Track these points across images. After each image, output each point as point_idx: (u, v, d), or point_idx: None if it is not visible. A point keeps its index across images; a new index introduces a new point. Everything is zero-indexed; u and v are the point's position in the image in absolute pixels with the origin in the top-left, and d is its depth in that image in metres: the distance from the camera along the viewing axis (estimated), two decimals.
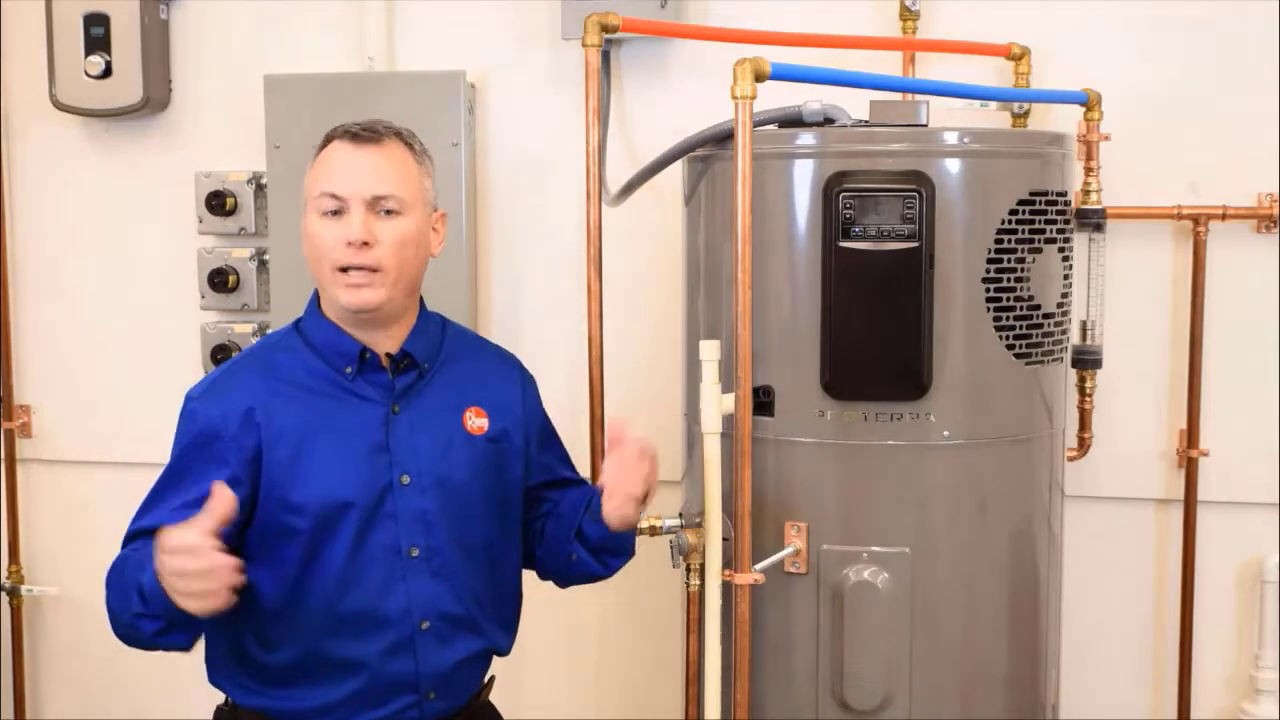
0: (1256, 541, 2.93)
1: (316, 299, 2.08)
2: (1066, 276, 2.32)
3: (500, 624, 2.15)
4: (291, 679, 2.01)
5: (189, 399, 2.03)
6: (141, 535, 1.95)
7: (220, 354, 3.24)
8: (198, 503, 1.86)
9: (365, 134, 1.99)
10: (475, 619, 2.08)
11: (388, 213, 1.97)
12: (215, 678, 2.09)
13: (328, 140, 2.02)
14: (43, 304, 3.44)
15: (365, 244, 1.95)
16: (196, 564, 1.74)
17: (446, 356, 2.10)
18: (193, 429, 2.00)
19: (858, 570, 2.21)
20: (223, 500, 1.79)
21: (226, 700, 2.12)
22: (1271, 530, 2.91)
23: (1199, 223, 2.85)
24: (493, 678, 2.19)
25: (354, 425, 2.00)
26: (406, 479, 2.01)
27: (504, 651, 2.17)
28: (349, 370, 2.02)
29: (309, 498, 1.96)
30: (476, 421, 2.09)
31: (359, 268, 1.95)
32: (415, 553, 2.00)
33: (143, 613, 1.85)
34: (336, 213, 1.96)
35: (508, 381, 2.17)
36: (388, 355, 2.03)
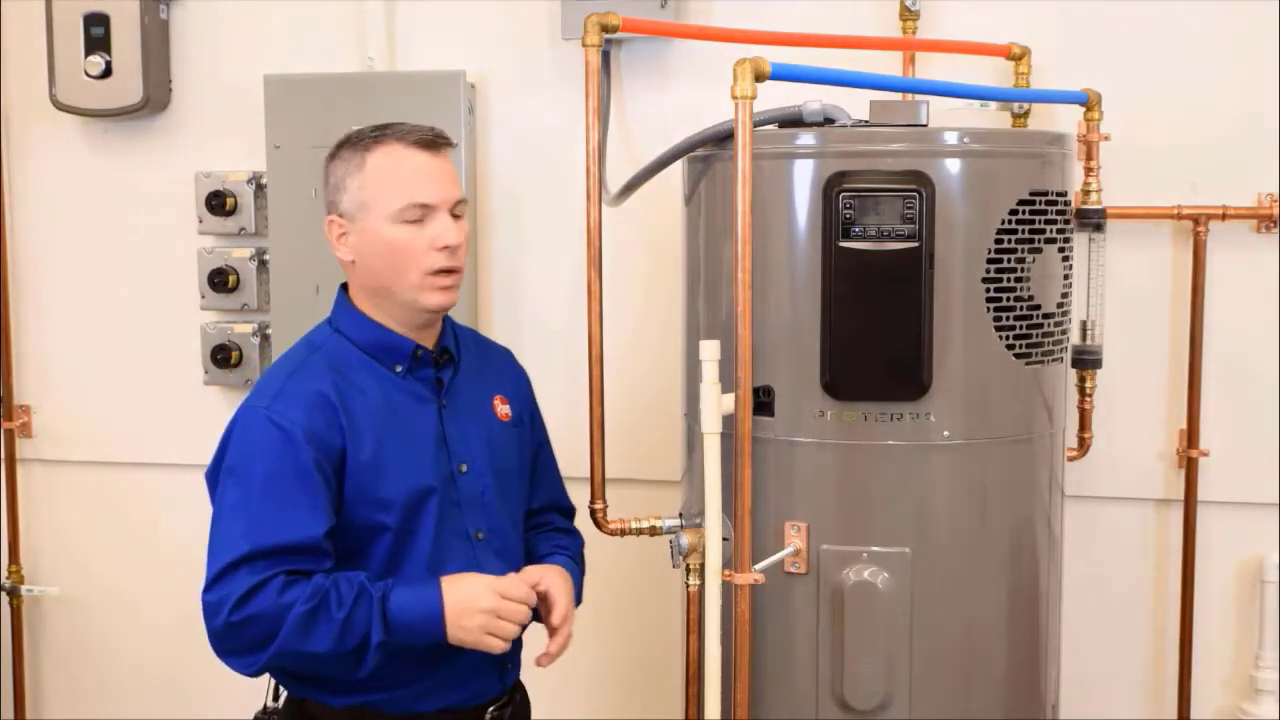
0: (1256, 541, 2.93)
1: (346, 299, 2.11)
2: (1066, 276, 2.32)
3: None
4: (385, 671, 2.01)
5: (256, 410, 2.00)
6: (275, 554, 1.93)
7: (220, 354, 3.24)
8: (317, 509, 1.95)
9: (440, 141, 2.06)
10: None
11: (456, 217, 2.06)
12: (296, 686, 2.08)
13: (377, 141, 2.03)
14: (43, 304, 3.44)
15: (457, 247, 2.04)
16: (524, 617, 2.01)
17: (464, 352, 2.20)
18: (280, 437, 1.97)
19: (858, 570, 2.21)
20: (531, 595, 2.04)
21: (265, 708, 2.16)
22: (1271, 530, 2.91)
23: (1199, 223, 2.85)
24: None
25: (416, 420, 2.08)
26: (464, 467, 2.10)
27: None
28: (399, 369, 2.08)
29: (396, 492, 2.02)
30: (503, 409, 2.20)
31: (450, 270, 2.03)
32: (481, 536, 2.10)
33: (384, 641, 1.94)
34: (415, 220, 2.02)
35: (512, 370, 2.30)
36: (430, 352, 2.12)
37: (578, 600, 2.22)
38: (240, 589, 1.91)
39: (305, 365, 2.07)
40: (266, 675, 2.08)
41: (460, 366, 2.16)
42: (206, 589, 1.94)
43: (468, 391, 2.15)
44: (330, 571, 1.97)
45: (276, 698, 2.14)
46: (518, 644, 2.17)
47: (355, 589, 1.94)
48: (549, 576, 2.10)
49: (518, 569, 2.13)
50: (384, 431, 2.03)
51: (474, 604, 1.97)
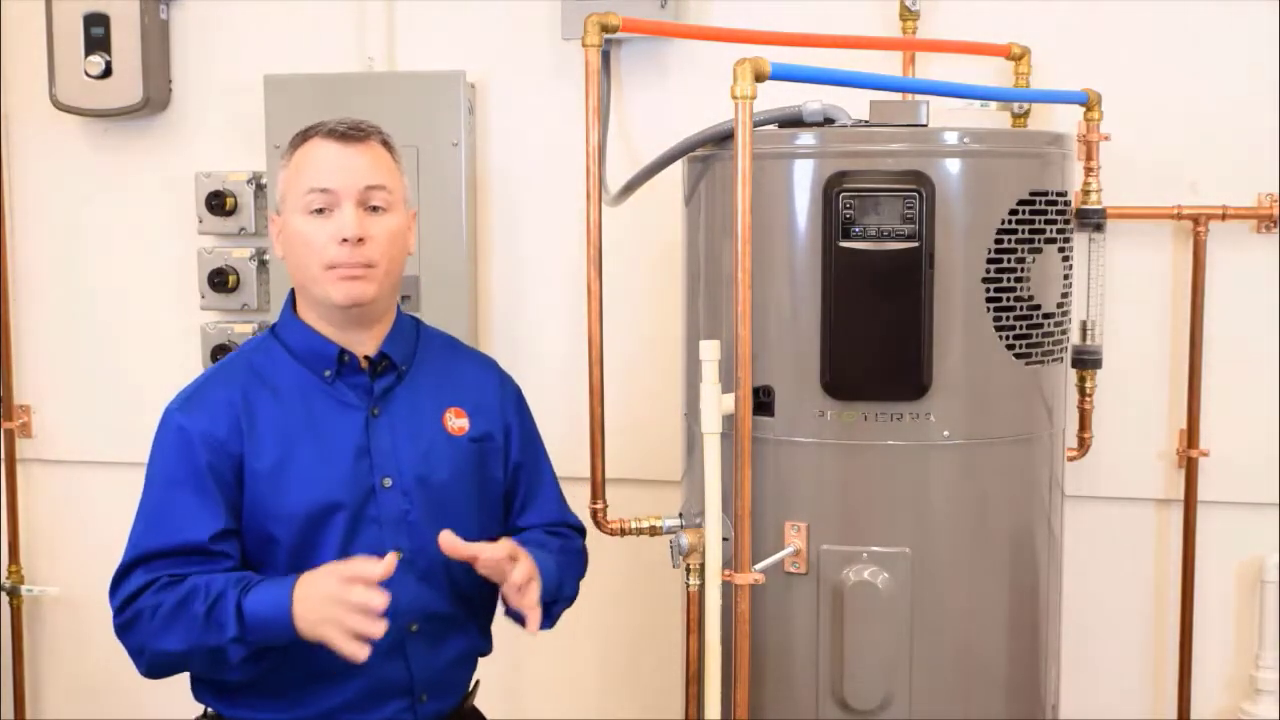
0: (1256, 541, 2.93)
1: (291, 304, 2.08)
2: (1066, 276, 2.32)
3: (485, 624, 2.17)
4: (284, 689, 1.99)
5: (169, 413, 2.02)
6: (163, 555, 1.93)
7: (220, 354, 3.23)
8: (212, 514, 1.93)
9: (352, 132, 2.00)
10: (462, 618, 2.09)
11: (375, 209, 1.98)
12: (200, 692, 2.07)
13: (305, 138, 2.02)
14: (43, 304, 3.44)
15: (360, 240, 1.95)
16: (379, 601, 1.79)
17: (423, 358, 2.11)
18: (180, 441, 1.98)
19: (858, 570, 2.21)
20: (389, 566, 1.82)
21: (206, 713, 2.11)
22: (1271, 530, 2.91)
23: (1199, 223, 2.85)
24: (478, 682, 2.20)
25: (335, 429, 2.00)
26: (388, 481, 2.01)
27: (487, 651, 2.18)
28: (328, 374, 2.02)
29: (294, 504, 1.96)
30: (457, 422, 2.09)
31: (353, 264, 1.95)
32: (401, 555, 1.98)
33: (238, 638, 1.85)
34: (322, 211, 1.97)
35: (486, 383, 2.18)
36: (366, 358, 2.03)
37: (570, 591, 2.15)
38: (126, 592, 1.94)
39: (224, 369, 2.07)
40: None
41: (407, 374, 2.07)
42: (110, 592, 1.97)
43: (411, 401, 2.06)
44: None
45: None
46: (448, 675, 2.09)
47: (220, 586, 1.88)
48: (493, 548, 1.94)
49: (449, 595, 2.04)
50: (294, 441, 1.98)
51: (318, 593, 1.81)
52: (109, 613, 3.54)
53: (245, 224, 3.23)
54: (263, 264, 3.23)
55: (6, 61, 3.37)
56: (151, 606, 1.91)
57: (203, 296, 3.26)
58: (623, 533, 2.48)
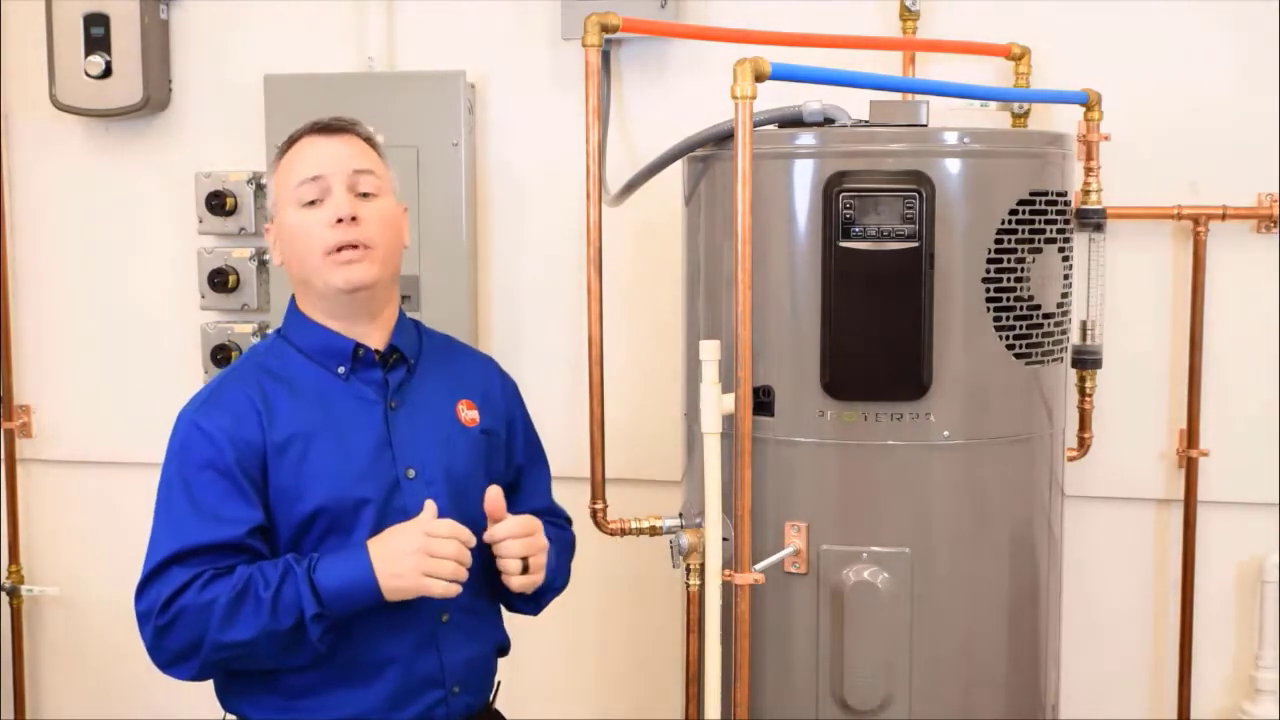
0: (1256, 541, 2.93)
1: (294, 305, 2.09)
2: (1066, 276, 2.32)
3: (500, 619, 2.18)
4: (322, 688, 1.98)
5: (185, 417, 2.01)
6: (202, 551, 1.90)
7: (220, 354, 3.24)
8: (240, 508, 1.92)
9: (334, 123, 2.04)
10: (488, 611, 2.12)
11: (365, 195, 2.01)
12: (233, 702, 2.04)
13: (290, 143, 2.05)
14: (43, 304, 3.44)
15: (354, 219, 1.97)
16: (462, 551, 1.90)
17: (428, 354, 2.13)
18: (203, 440, 1.96)
19: (858, 570, 2.21)
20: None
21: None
22: (1271, 530, 2.91)
23: (1199, 223, 2.85)
24: (499, 683, 2.20)
25: (355, 424, 2.01)
26: (412, 473, 2.02)
27: (507, 648, 2.20)
28: (342, 370, 2.03)
29: (318, 500, 1.96)
30: (468, 414, 2.12)
31: (350, 245, 1.97)
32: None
33: (319, 613, 1.87)
34: (314, 203, 1.99)
35: (488, 378, 2.20)
36: (378, 351, 2.05)
37: (563, 581, 2.18)
38: (165, 592, 1.89)
39: (237, 371, 2.07)
40: None
41: (417, 367, 2.09)
42: (136, 599, 1.93)
43: (424, 393, 2.08)
44: None
45: None
46: (477, 668, 2.10)
47: (281, 568, 1.89)
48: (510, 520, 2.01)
49: (475, 585, 2.03)
50: (315, 436, 1.98)
51: (401, 548, 1.88)
52: (109, 613, 3.57)
53: (245, 224, 3.23)
54: (263, 264, 3.23)
55: (6, 61, 3.37)
56: (202, 602, 1.87)
57: (203, 296, 3.26)
58: (623, 533, 2.48)
